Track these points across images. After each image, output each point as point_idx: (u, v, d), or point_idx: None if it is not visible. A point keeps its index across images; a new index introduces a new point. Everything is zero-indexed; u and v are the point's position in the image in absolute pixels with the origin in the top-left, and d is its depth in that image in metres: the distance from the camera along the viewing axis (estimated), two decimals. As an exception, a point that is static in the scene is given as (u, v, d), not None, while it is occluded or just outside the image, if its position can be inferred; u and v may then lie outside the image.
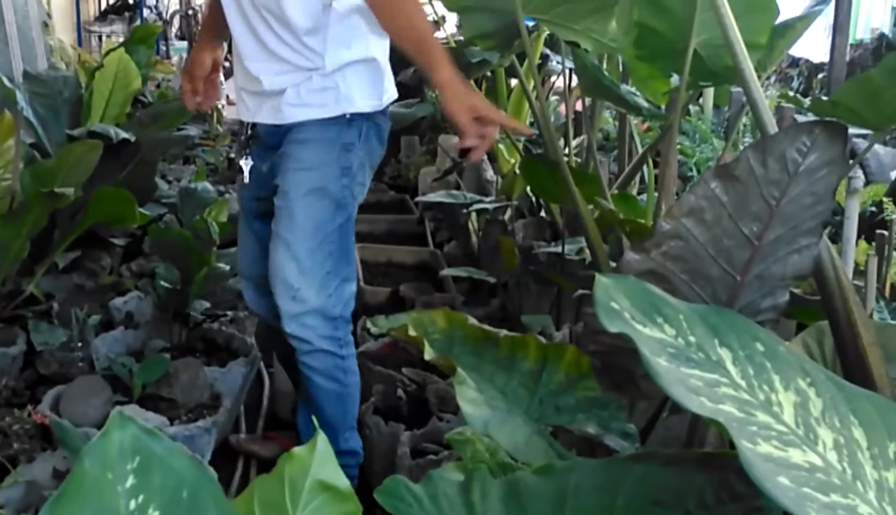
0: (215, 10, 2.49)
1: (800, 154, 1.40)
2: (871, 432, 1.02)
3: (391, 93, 2.41)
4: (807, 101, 3.21)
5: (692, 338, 1.06)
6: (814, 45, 6.95)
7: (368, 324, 3.24)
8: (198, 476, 0.87)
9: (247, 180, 2.46)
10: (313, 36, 2.26)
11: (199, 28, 2.80)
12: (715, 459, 1.11)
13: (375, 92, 2.35)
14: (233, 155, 4.82)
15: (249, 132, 2.46)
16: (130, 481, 0.84)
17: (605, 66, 3.19)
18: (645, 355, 0.99)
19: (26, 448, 2.27)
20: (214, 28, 2.59)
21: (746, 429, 0.95)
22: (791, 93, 4.82)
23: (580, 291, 2.76)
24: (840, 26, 4.60)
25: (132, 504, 0.83)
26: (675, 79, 2.52)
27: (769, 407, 1.00)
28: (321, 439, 1.01)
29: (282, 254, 2.30)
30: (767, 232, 1.44)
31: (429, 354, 1.55)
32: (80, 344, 2.87)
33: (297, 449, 1.01)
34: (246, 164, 2.46)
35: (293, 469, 1.00)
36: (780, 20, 2.31)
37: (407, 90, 4.97)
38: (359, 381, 2.48)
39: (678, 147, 4.84)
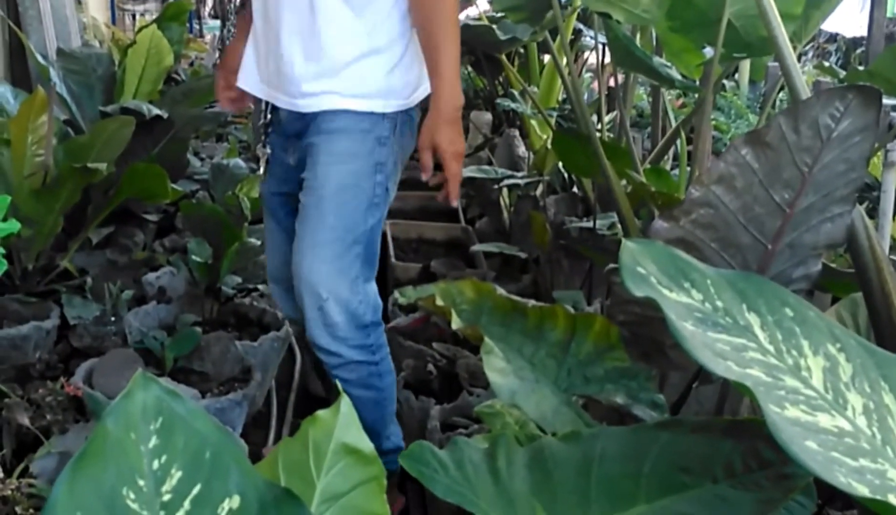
0: None
1: (833, 120, 1.37)
2: (902, 398, 1.00)
3: (426, 85, 2.15)
4: (843, 73, 3.16)
5: (719, 303, 1.05)
6: (848, 20, 6.83)
7: (398, 297, 3.26)
8: (220, 437, 0.87)
9: (261, 171, 2.26)
10: (370, 15, 2.05)
11: (236, 13, 2.62)
12: (743, 426, 1.09)
13: (415, 83, 2.16)
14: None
15: (269, 117, 2.22)
16: (153, 441, 0.84)
17: (638, 39, 3.15)
18: (671, 319, 0.97)
19: (59, 420, 2.29)
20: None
21: (774, 393, 0.93)
22: (832, 66, 4.75)
23: (611, 265, 2.74)
24: (878, 0, 4.52)
25: (155, 464, 0.84)
26: (708, 51, 2.49)
27: (798, 372, 0.99)
28: (345, 402, 1.01)
29: (308, 259, 2.07)
30: (799, 199, 1.41)
31: (456, 324, 1.55)
32: (112, 319, 2.89)
33: (321, 412, 1.01)
34: (264, 154, 2.24)
35: (317, 433, 1.00)
36: (815, -10, 2.28)
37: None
38: (394, 376, 2.29)
39: (713, 122, 4.80)
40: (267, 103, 2.19)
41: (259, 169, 2.25)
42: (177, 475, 0.84)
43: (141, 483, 0.82)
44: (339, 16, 2.02)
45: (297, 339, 2.94)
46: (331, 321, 2.08)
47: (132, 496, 0.81)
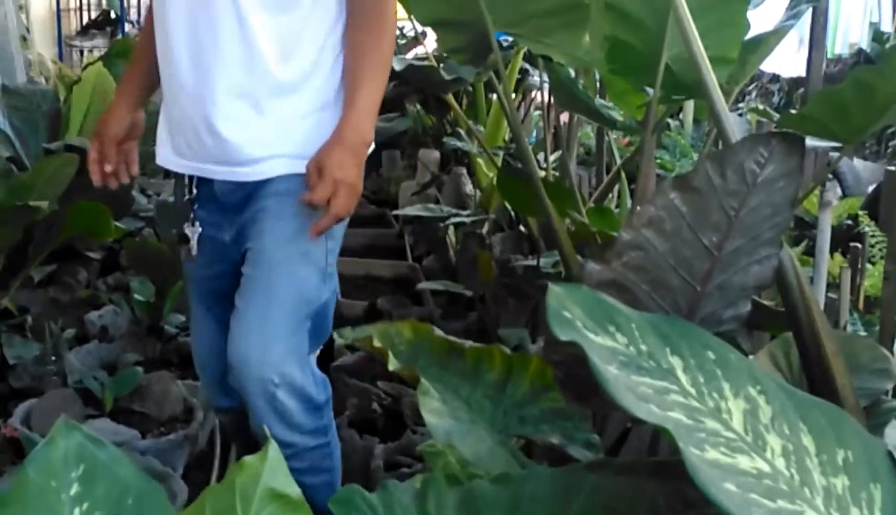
0: (149, 42, 1.97)
1: (758, 165, 1.41)
2: (820, 439, 1.03)
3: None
4: (777, 116, 3.24)
5: (644, 347, 1.07)
6: (785, 61, 7.00)
7: (338, 338, 3.26)
8: (143, 484, 0.87)
9: (195, 252, 1.95)
10: (315, 70, 1.88)
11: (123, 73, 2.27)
12: (668, 467, 1.11)
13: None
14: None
15: (195, 191, 1.94)
16: (75, 489, 0.84)
17: (582, 80, 3.20)
18: (595, 362, 0.99)
19: (-4, 462, 2.27)
20: (144, 73, 2.06)
21: (694, 436, 0.95)
22: (769, 109, 4.85)
23: (553, 304, 2.77)
24: (816, 41, 4.62)
25: (76, 512, 0.83)
26: (650, 92, 2.54)
27: (718, 415, 1.01)
28: (272, 447, 1.01)
29: (256, 340, 1.81)
30: (727, 242, 1.44)
31: (393, 365, 1.56)
32: (53, 358, 2.86)
33: (247, 458, 1.01)
34: (193, 233, 1.95)
35: (244, 478, 1.00)
36: (751, 35, 2.33)
37: (387, 104, 4.98)
38: (339, 442, 2.04)
39: (659, 161, 4.87)
40: (191, 177, 1.94)
41: (191, 250, 1.95)
42: (99, 522, 0.83)
43: (61, 531, 0.81)
44: (283, 73, 1.85)
45: (225, 430, 2.59)
46: (283, 408, 1.82)
47: (52, 545, 0.81)
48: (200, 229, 1.94)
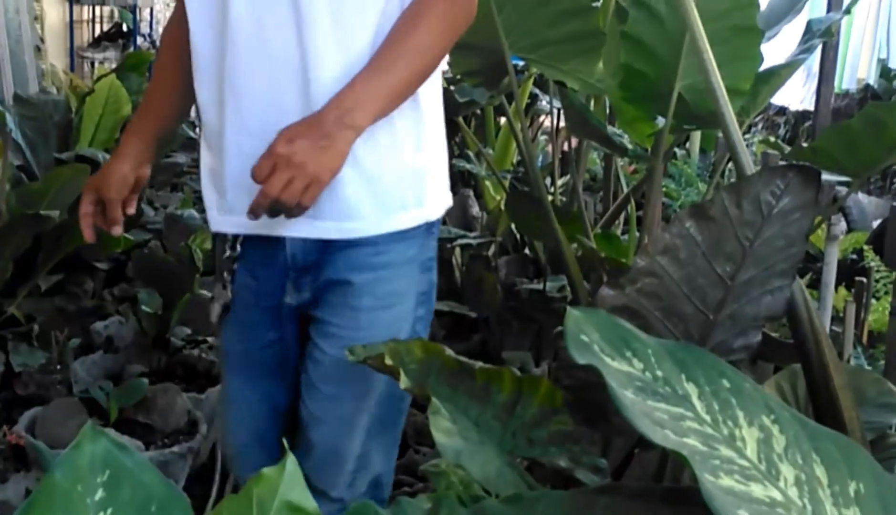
0: (170, 81, 1.72)
1: (773, 197, 1.43)
2: (832, 470, 1.03)
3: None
4: (788, 149, 3.26)
5: (659, 373, 1.08)
6: (793, 94, 7.05)
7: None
8: (167, 491, 0.88)
9: (214, 318, 1.68)
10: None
11: (134, 113, 1.97)
12: (680, 493, 1.12)
13: (446, 179, 1.70)
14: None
15: (238, 248, 1.64)
16: (100, 494, 0.85)
17: (592, 106, 3.23)
18: (612, 387, 1.00)
19: (0, 469, 2.27)
20: (160, 120, 1.77)
21: (709, 463, 0.96)
22: (777, 141, 4.88)
23: (559, 328, 2.78)
24: (826, 76, 4.66)
25: (100, 517, 0.84)
26: (660, 121, 2.56)
27: (732, 442, 1.02)
28: (290, 460, 1.02)
29: (352, 436, 1.64)
30: (741, 272, 1.46)
31: (404, 383, 1.56)
32: (59, 367, 2.87)
33: (266, 470, 1.02)
34: (223, 297, 1.67)
35: (262, 490, 1.01)
36: (763, 67, 2.35)
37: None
38: None
39: (664, 189, 4.89)
40: (235, 236, 1.64)
41: (216, 312, 1.68)
42: (122, 528, 0.84)
43: (85, 536, 0.82)
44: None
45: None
46: (357, 491, 1.69)
47: (76, 549, 0.82)
48: (231, 294, 1.67)
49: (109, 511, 0.84)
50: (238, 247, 1.64)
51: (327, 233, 1.55)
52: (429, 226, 1.66)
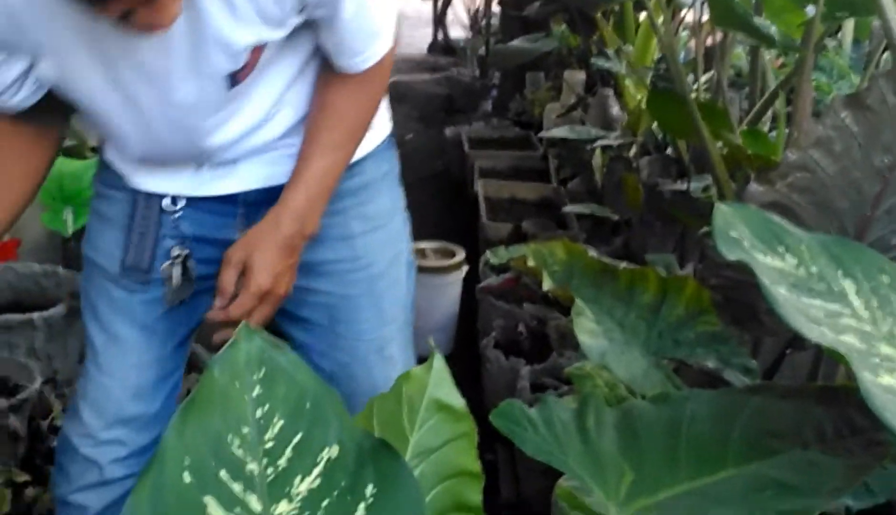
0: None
1: (938, 83, 1.34)
2: None
3: None
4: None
5: (814, 268, 1.04)
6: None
7: (490, 258, 3.29)
8: (320, 388, 0.90)
9: (176, 286, 1.52)
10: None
11: None
12: (835, 392, 1.09)
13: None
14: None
15: (180, 207, 1.51)
16: (257, 390, 0.88)
17: (737, -3, 3.09)
18: (764, 284, 0.97)
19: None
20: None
21: (868, 360, 0.93)
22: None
23: (704, 229, 2.72)
24: None
25: (258, 413, 0.87)
26: (810, 10, 2.43)
27: (893, 340, 0.98)
28: (437, 359, 1.04)
29: (378, 368, 1.60)
30: (900, 164, 1.39)
31: (547, 284, 1.56)
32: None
33: (415, 369, 1.04)
34: (169, 271, 1.51)
35: (410, 389, 1.03)
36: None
37: (532, 24, 4.93)
38: None
39: (815, 83, 4.68)
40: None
41: (171, 287, 1.52)
42: (279, 423, 0.87)
43: (245, 430, 0.86)
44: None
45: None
46: None
47: (237, 442, 0.85)
48: (186, 251, 1.53)
49: (266, 407, 0.87)
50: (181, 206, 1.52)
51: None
52: (390, 138, 1.64)
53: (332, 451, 0.87)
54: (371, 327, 1.61)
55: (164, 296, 1.53)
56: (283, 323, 1.62)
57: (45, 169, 1.50)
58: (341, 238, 1.57)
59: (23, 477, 2.14)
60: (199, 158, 1.49)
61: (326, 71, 1.47)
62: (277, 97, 1.46)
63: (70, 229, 2.86)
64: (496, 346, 2.80)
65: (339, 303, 1.59)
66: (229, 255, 1.44)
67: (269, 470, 0.85)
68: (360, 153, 1.54)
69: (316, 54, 1.47)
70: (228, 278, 1.42)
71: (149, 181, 1.51)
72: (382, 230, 1.61)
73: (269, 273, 1.41)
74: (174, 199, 1.51)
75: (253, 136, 1.48)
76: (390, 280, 1.62)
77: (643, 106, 3.36)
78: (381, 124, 1.62)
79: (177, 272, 1.50)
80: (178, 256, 1.51)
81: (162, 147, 1.45)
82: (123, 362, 1.55)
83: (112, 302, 1.55)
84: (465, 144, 5.12)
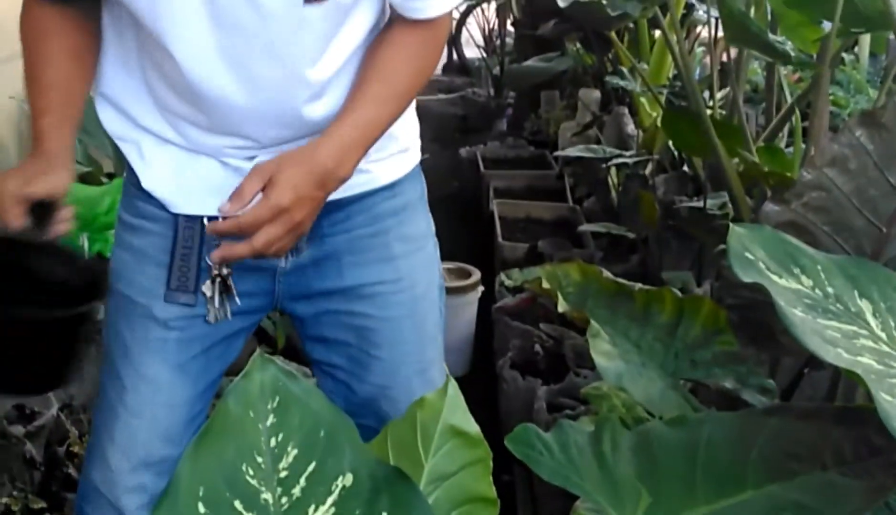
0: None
1: (953, 100, 1.34)
2: None
3: None
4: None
5: (830, 289, 1.04)
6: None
7: (505, 279, 3.28)
8: (334, 417, 0.90)
9: (217, 305, 1.46)
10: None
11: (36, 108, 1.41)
12: (853, 413, 1.08)
13: None
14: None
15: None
16: (271, 419, 0.88)
17: (752, 13, 3.09)
18: (780, 305, 0.97)
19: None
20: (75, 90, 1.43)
21: (885, 382, 0.92)
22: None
23: (721, 247, 2.71)
24: None
25: (272, 442, 0.88)
26: (825, 26, 2.43)
27: (911, 361, 0.97)
28: (452, 385, 1.04)
29: (418, 386, 1.50)
30: (916, 181, 1.38)
31: (562, 306, 1.56)
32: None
33: (428, 395, 1.04)
34: (218, 278, 1.44)
35: (425, 415, 1.03)
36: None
37: (546, 43, 4.93)
38: None
39: (832, 98, 4.66)
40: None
41: (214, 305, 1.46)
42: (293, 452, 0.87)
43: (259, 459, 0.86)
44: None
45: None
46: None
47: (251, 472, 0.85)
48: (228, 271, 1.44)
49: (280, 436, 0.87)
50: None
51: (344, 191, 1.41)
52: (420, 163, 1.61)
53: (346, 480, 0.87)
54: (414, 349, 1.56)
55: (207, 314, 1.47)
56: (315, 349, 1.58)
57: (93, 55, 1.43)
58: (383, 260, 1.53)
59: (39, 504, 2.14)
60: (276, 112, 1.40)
61: (383, 32, 1.43)
62: (351, 53, 1.40)
63: (86, 256, 2.87)
64: (512, 367, 2.79)
65: (380, 327, 1.53)
66: (258, 166, 1.34)
67: (284, 500, 0.85)
68: (398, 172, 1.53)
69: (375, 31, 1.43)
70: (250, 185, 1.30)
71: (191, 202, 1.44)
72: (422, 252, 1.59)
73: (294, 192, 1.30)
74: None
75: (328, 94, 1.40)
76: (430, 301, 1.59)
77: (658, 124, 3.35)
78: (416, 145, 1.60)
79: (217, 287, 1.44)
80: (218, 275, 1.44)
81: (253, 85, 1.36)
82: (154, 401, 1.50)
83: (147, 342, 1.49)
84: (480, 164, 5.12)
